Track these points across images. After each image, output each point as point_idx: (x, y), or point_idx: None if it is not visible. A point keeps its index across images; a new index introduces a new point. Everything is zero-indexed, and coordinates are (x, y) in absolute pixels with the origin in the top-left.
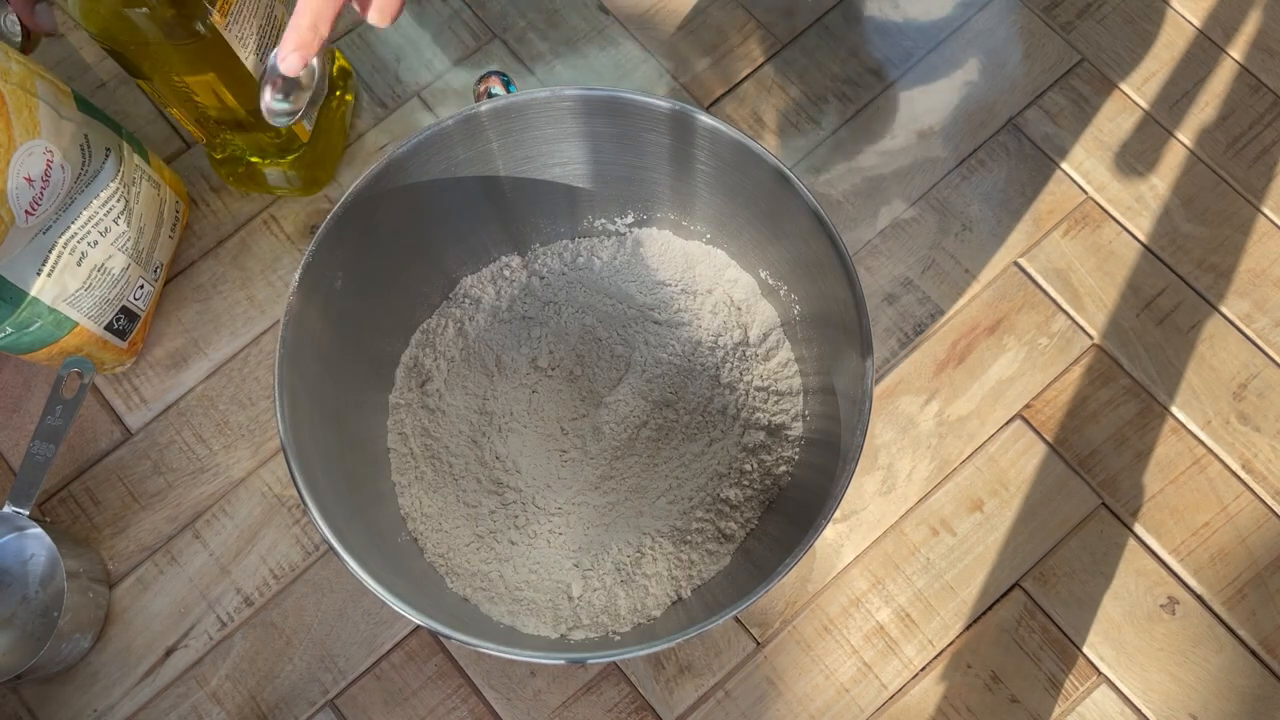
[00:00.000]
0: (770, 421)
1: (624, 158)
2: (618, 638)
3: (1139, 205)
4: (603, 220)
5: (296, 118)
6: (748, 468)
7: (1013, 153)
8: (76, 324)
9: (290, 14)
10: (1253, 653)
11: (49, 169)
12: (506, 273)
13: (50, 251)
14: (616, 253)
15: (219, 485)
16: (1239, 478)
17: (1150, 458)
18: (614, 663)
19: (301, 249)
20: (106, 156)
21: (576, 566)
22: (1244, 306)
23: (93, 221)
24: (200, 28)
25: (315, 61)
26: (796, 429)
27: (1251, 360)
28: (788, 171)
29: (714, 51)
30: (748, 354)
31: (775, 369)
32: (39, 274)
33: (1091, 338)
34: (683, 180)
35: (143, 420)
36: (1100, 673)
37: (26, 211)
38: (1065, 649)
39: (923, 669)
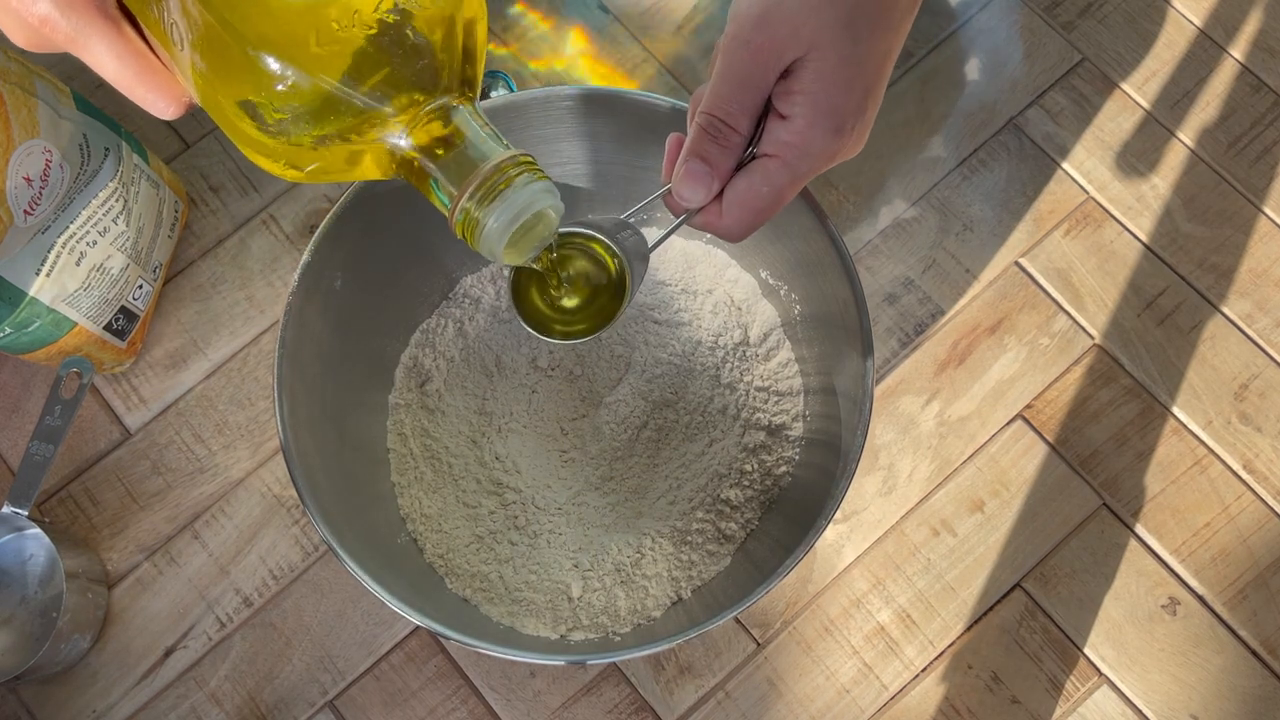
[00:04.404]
0: (770, 422)
1: (624, 157)
2: (618, 638)
3: (1140, 205)
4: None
5: None
6: (748, 468)
7: (1013, 152)
8: (75, 324)
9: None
10: (1254, 653)
11: (48, 169)
12: (506, 272)
13: (49, 251)
14: None
15: (218, 485)
16: (1240, 478)
17: (1151, 458)
18: (614, 663)
19: (301, 249)
20: (106, 156)
21: (576, 567)
22: (1245, 307)
23: (92, 221)
24: None
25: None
26: (797, 429)
27: (1253, 360)
28: None
29: (714, 50)
30: (748, 354)
31: (775, 369)
32: (38, 274)
33: (1092, 338)
34: None
35: (142, 420)
36: (1101, 673)
37: (25, 211)
38: (1066, 649)
39: (923, 670)
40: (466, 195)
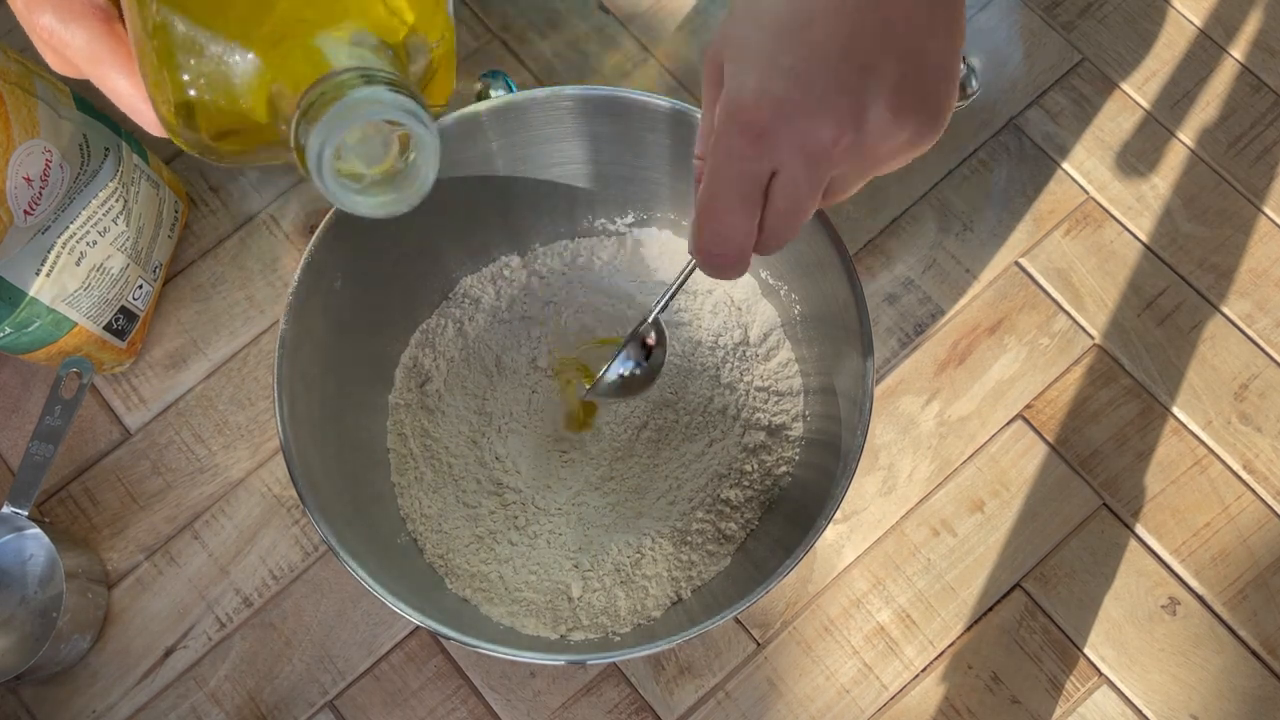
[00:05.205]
0: (770, 422)
1: (624, 157)
2: (617, 639)
3: (1140, 205)
4: (603, 220)
5: None
6: (748, 468)
7: (1014, 152)
8: (75, 324)
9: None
10: (1254, 653)
11: (48, 169)
12: (506, 273)
13: (49, 251)
14: (616, 253)
15: (218, 486)
16: (1240, 478)
17: (1151, 458)
18: (614, 664)
19: (301, 249)
20: (106, 156)
21: (576, 567)
22: (1245, 307)
23: (92, 221)
24: None
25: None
26: (797, 429)
27: (1253, 360)
28: None
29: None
30: (748, 354)
31: (775, 369)
32: (38, 274)
33: (1092, 338)
34: (683, 180)
35: (142, 420)
36: (1101, 673)
37: (25, 211)
38: (1066, 650)
39: (923, 670)
40: (296, 114)
